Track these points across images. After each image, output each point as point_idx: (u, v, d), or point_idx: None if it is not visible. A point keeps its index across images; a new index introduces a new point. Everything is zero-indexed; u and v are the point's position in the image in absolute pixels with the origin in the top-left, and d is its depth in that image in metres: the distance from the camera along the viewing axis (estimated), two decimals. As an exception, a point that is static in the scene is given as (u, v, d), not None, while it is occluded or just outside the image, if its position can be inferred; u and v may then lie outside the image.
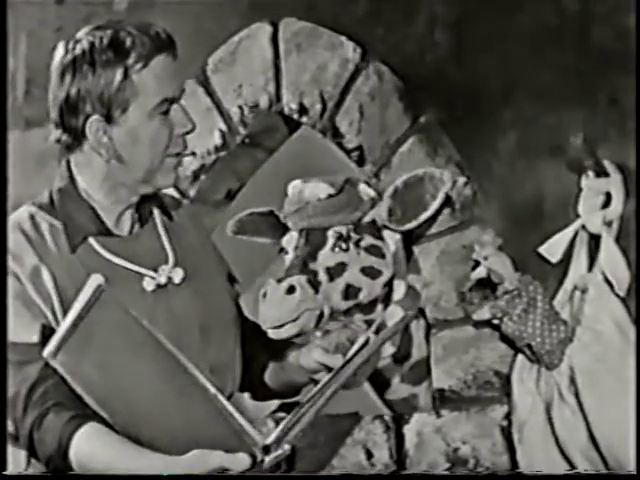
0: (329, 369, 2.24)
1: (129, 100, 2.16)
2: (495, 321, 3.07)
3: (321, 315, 2.80)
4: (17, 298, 2.15)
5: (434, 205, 2.85)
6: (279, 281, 2.75)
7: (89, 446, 2.03)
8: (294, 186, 2.96)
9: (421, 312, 3.18)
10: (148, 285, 2.22)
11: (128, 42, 2.15)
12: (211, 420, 1.90)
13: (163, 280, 2.25)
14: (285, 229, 2.96)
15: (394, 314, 2.97)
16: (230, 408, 1.89)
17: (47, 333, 2.11)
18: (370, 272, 2.90)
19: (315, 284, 2.80)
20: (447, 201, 3.01)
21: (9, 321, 2.13)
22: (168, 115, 2.20)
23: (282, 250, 2.96)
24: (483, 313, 3.12)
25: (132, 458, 1.96)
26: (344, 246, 2.87)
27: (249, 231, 3.09)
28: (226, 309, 2.38)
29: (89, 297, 1.97)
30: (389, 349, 2.75)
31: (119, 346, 1.98)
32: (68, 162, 2.28)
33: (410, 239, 3.15)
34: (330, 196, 2.90)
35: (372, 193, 2.96)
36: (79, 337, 1.99)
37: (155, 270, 2.25)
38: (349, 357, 2.13)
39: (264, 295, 2.71)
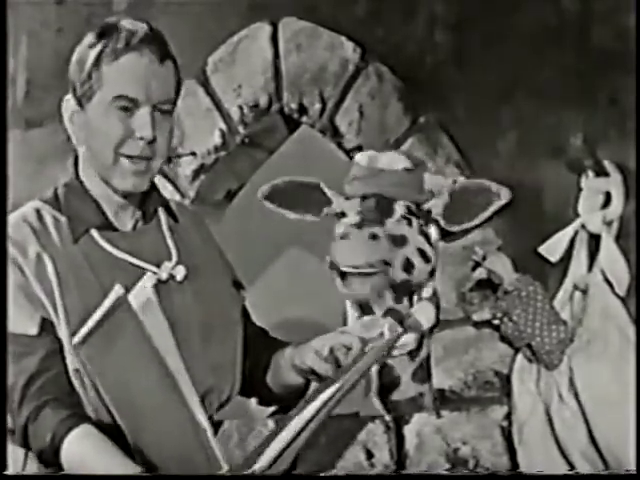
0: (318, 376, 2.24)
1: (94, 89, 2.16)
2: (495, 321, 3.07)
3: (388, 280, 2.83)
4: (19, 289, 2.15)
5: (482, 216, 2.89)
6: (358, 226, 2.79)
7: (80, 448, 2.05)
8: (366, 155, 2.98)
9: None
10: (149, 280, 2.23)
11: (109, 32, 2.15)
12: (189, 441, 2.03)
13: (164, 276, 2.25)
14: (329, 203, 2.98)
15: (429, 312, 2.95)
16: (210, 436, 2.02)
17: (47, 326, 2.12)
18: (423, 255, 2.91)
19: (396, 242, 2.84)
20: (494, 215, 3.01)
21: (9, 311, 2.14)
22: (131, 115, 2.18)
23: (339, 215, 2.96)
24: (483, 313, 3.12)
25: (119, 467, 2.00)
26: (410, 221, 2.90)
27: (281, 200, 3.06)
28: (228, 312, 2.37)
29: (111, 304, 2.04)
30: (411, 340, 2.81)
31: (131, 354, 2.05)
32: (76, 157, 2.29)
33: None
34: (406, 170, 2.92)
35: (430, 184, 2.99)
36: (102, 336, 2.05)
37: (157, 266, 2.26)
38: (341, 373, 2.13)
39: (343, 237, 2.76)
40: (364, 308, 2.99)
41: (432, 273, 2.99)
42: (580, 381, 2.94)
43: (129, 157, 2.17)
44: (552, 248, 3.06)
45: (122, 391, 2.08)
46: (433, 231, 2.99)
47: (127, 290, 2.09)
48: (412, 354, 3.10)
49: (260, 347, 2.42)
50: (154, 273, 2.24)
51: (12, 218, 2.24)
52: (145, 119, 2.15)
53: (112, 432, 2.08)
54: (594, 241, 3.02)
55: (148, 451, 2.07)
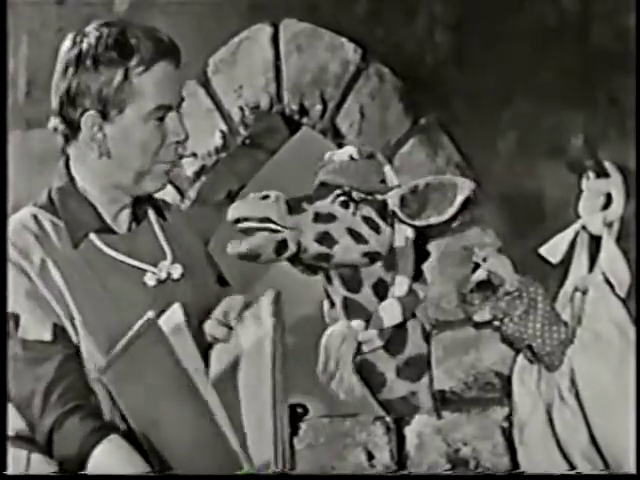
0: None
1: (126, 101, 2.18)
2: (496, 322, 3.07)
3: (284, 243, 2.87)
4: (29, 296, 2.17)
5: (450, 212, 2.91)
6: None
7: (109, 461, 2.10)
8: (330, 151, 3.07)
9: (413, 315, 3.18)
10: (150, 280, 2.25)
11: (133, 44, 2.17)
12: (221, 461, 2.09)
13: (164, 275, 2.27)
14: None
15: (393, 309, 3.01)
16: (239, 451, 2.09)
17: (59, 332, 2.14)
18: (355, 236, 2.96)
19: (294, 211, 2.90)
20: (463, 209, 3.03)
21: (21, 319, 2.15)
22: (163, 122, 2.22)
23: None
24: (484, 314, 3.12)
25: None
26: (344, 202, 2.96)
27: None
28: (213, 309, 2.40)
29: (139, 327, 2.11)
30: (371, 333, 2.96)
31: (160, 377, 2.12)
32: (66, 161, 2.30)
33: (423, 244, 3.16)
34: (352, 159, 2.98)
35: (394, 179, 3.03)
36: (127, 361, 2.11)
37: (155, 266, 2.27)
38: None
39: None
40: (329, 300, 3.07)
41: (372, 258, 3.01)
42: (581, 382, 2.93)
43: (166, 163, 2.22)
44: (553, 249, 3.05)
45: (147, 412, 2.13)
46: (406, 229, 3.02)
47: (158, 315, 2.15)
48: (391, 350, 3.11)
49: None
50: (153, 273, 2.25)
51: (11, 225, 2.25)
52: (176, 123, 2.22)
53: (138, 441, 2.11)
54: (595, 242, 3.02)
55: (176, 466, 2.12)
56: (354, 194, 2.98)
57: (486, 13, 3.19)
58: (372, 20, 3.35)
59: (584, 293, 3.01)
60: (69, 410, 2.10)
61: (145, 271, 2.26)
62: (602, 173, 3.03)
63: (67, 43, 2.24)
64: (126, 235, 2.30)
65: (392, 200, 3.00)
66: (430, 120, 3.29)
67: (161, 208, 2.41)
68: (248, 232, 2.84)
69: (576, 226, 3.03)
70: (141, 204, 2.34)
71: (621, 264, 2.96)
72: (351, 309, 3.05)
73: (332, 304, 3.08)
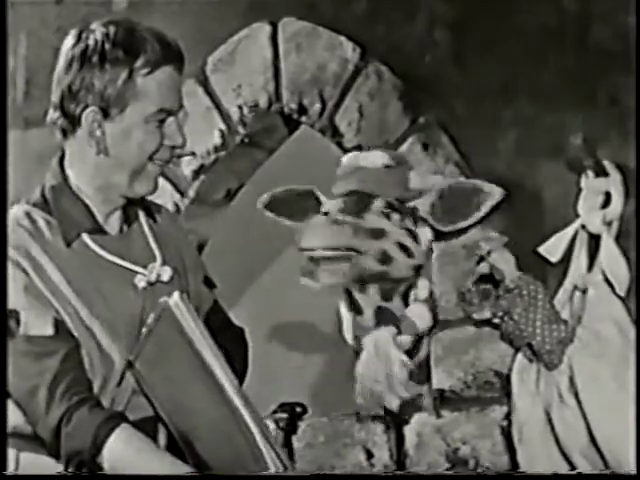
0: None
1: (129, 101, 2.18)
2: (496, 320, 3.07)
3: (358, 269, 2.82)
4: (27, 291, 2.17)
5: (476, 216, 2.89)
6: (324, 214, 2.83)
7: (125, 450, 2.10)
8: (350, 154, 3.00)
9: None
10: (140, 282, 2.26)
11: (140, 44, 2.18)
12: (236, 440, 2.09)
13: (153, 277, 2.28)
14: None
15: (422, 313, 2.97)
16: (255, 431, 2.07)
17: (60, 325, 2.15)
18: (405, 249, 2.90)
19: (375, 235, 2.83)
20: (488, 215, 3.02)
21: (21, 315, 2.15)
22: (163, 124, 2.22)
23: (324, 215, 2.96)
24: (484, 312, 3.12)
25: (162, 465, 2.08)
26: (389, 214, 2.90)
27: (280, 210, 3.06)
28: (201, 310, 2.41)
29: (156, 313, 2.15)
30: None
31: (180, 362, 2.14)
32: (60, 159, 2.30)
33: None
34: (386, 166, 2.93)
35: (418, 183, 3.00)
36: (150, 350, 2.16)
37: (145, 268, 2.28)
38: None
39: (308, 224, 2.80)
40: (354, 307, 2.99)
41: (418, 270, 2.99)
42: (580, 381, 2.93)
43: (156, 162, 2.22)
44: (552, 248, 3.05)
45: (175, 397, 2.16)
46: (427, 231, 3.00)
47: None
48: (409, 355, 3.10)
49: (232, 344, 2.43)
50: (143, 275, 2.27)
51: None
52: (175, 128, 2.22)
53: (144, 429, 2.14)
54: (594, 241, 3.02)
55: (201, 452, 2.14)
56: (395, 203, 2.92)
57: (486, 13, 3.20)
58: (371, 19, 3.35)
59: (584, 292, 3.01)
60: (76, 403, 2.11)
61: (135, 273, 2.27)
62: (601, 172, 3.03)
63: (71, 38, 2.24)
64: (117, 236, 2.31)
65: (423, 207, 2.94)
66: (429, 119, 3.29)
67: (152, 210, 2.42)
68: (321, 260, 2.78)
69: (575, 225, 3.04)
70: (132, 205, 2.34)
71: (620, 263, 2.97)
72: (382, 317, 3.00)
73: (359, 313, 3.00)
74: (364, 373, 2.91)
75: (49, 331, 2.16)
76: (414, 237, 2.92)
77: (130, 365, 2.18)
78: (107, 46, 2.18)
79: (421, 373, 3.11)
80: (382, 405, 2.93)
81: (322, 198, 3.03)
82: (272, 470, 2.04)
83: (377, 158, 2.94)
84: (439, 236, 3.04)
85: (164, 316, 2.14)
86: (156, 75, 2.19)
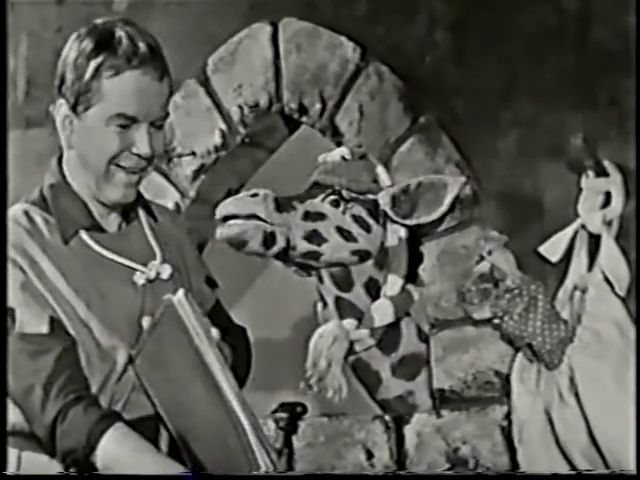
0: None
1: (92, 100, 2.17)
2: (496, 320, 3.07)
3: (272, 236, 2.94)
4: (24, 289, 2.17)
5: (440, 211, 2.96)
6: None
7: (118, 449, 2.09)
8: (326, 153, 3.14)
9: (407, 314, 3.19)
10: (139, 279, 2.26)
11: (111, 45, 2.16)
12: (230, 441, 2.09)
13: (153, 275, 2.28)
14: None
15: (384, 309, 3.04)
16: (250, 433, 2.07)
17: (56, 324, 2.15)
18: (345, 234, 3.02)
19: (283, 209, 2.98)
20: (452, 208, 3.06)
21: (17, 313, 2.15)
22: (128, 130, 2.19)
23: None
24: (484, 312, 3.12)
25: (156, 464, 2.07)
26: (334, 201, 3.03)
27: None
28: (203, 309, 2.41)
29: (160, 310, 2.16)
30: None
31: (177, 360, 2.15)
32: (59, 159, 2.30)
33: (417, 244, 3.18)
34: (344, 159, 3.01)
35: (386, 179, 3.07)
36: (152, 347, 2.16)
37: (144, 265, 2.28)
38: None
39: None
40: (321, 299, 3.14)
41: (365, 258, 3.08)
42: (580, 381, 2.93)
43: (123, 168, 2.20)
44: (552, 248, 3.05)
45: (173, 395, 2.17)
46: (392, 231, 3.09)
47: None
48: (385, 349, 3.12)
49: (235, 344, 2.43)
50: (142, 272, 2.26)
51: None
52: (143, 137, 2.19)
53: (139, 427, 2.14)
54: (594, 241, 3.02)
55: (197, 452, 2.15)
56: (344, 193, 3.03)
57: (486, 13, 3.20)
58: (372, 19, 3.35)
59: (584, 292, 3.01)
60: (71, 401, 2.10)
61: (134, 270, 2.27)
62: (602, 172, 3.03)
63: (74, 35, 2.25)
64: (116, 234, 2.31)
65: (383, 200, 3.04)
66: (429, 119, 3.29)
67: (153, 209, 2.42)
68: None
69: (575, 225, 3.04)
70: (131, 204, 2.34)
71: (620, 263, 2.97)
72: (343, 308, 3.07)
73: (325, 304, 3.10)
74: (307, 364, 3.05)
75: (44, 329, 2.16)
76: (363, 226, 3.04)
77: (131, 360, 2.19)
78: (85, 42, 2.18)
79: (407, 369, 3.13)
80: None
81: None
82: (262, 469, 2.04)
83: (338, 152, 3.09)
84: (420, 235, 3.10)
85: (167, 313, 2.14)
86: (121, 78, 2.16)
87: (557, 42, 3.12)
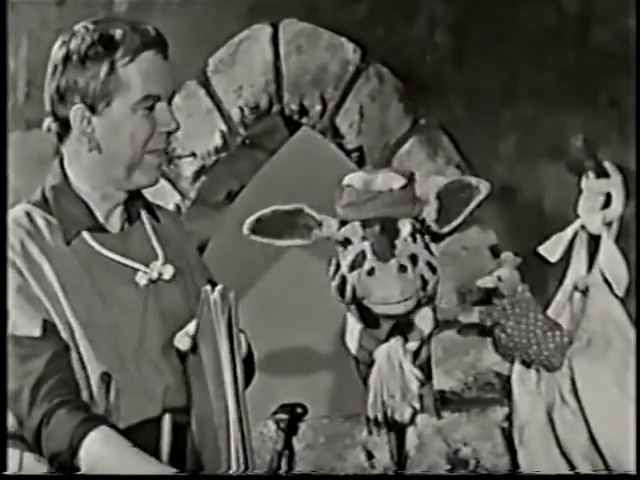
0: None
1: (113, 93, 2.19)
2: (488, 323, 3.05)
3: (418, 301, 2.78)
4: (19, 291, 2.17)
5: (465, 212, 2.87)
6: (382, 260, 2.72)
7: (100, 450, 2.08)
8: (358, 177, 2.89)
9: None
10: (141, 279, 2.26)
11: (117, 36, 2.18)
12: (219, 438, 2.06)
13: (155, 275, 2.28)
14: (319, 225, 2.92)
15: (427, 317, 2.93)
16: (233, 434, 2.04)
17: (49, 328, 2.14)
18: (431, 267, 2.83)
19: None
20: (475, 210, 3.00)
21: (11, 314, 2.16)
22: (152, 112, 2.22)
23: (343, 243, 2.89)
24: (471, 316, 3.11)
25: (140, 466, 2.05)
26: (414, 237, 2.83)
27: (267, 231, 2.93)
28: None
29: (203, 304, 2.13)
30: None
31: (210, 352, 2.12)
32: (61, 160, 2.31)
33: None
34: (402, 187, 2.90)
35: (421, 191, 2.98)
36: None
37: (147, 266, 2.28)
38: None
39: (369, 272, 2.70)
40: (365, 318, 2.89)
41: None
42: (581, 382, 2.93)
43: (154, 152, 2.22)
44: (552, 248, 3.05)
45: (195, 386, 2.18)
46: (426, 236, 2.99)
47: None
48: (413, 358, 3.10)
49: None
50: (145, 273, 2.27)
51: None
52: (167, 113, 2.23)
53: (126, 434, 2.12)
54: (594, 242, 3.02)
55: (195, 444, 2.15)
56: (416, 225, 2.84)
57: (486, 14, 3.20)
58: (372, 21, 3.36)
59: (583, 293, 3.01)
60: (56, 405, 2.09)
61: (137, 270, 2.27)
62: (602, 173, 3.03)
63: (57, 44, 2.26)
64: (119, 234, 2.31)
65: (429, 217, 2.89)
66: (430, 120, 3.29)
67: (154, 210, 2.43)
68: None
69: (575, 226, 3.03)
70: (134, 203, 2.35)
71: (620, 264, 2.97)
72: (395, 327, 2.95)
73: (375, 325, 2.88)
74: (377, 387, 2.84)
75: (36, 332, 2.15)
76: (430, 251, 2.86)
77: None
78: (85, 44, 2.19)
79: (422, 375, 3.10)
80: (394, 419, 2.90)
81: (317, 216, 2.95)
82: (232, 470, 2.03)
83: (392, 181, 2.83)
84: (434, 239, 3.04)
85: (205, 306, 2.13)
86: (137, 63, 2.19)
87: (557, 43, 3.12)
